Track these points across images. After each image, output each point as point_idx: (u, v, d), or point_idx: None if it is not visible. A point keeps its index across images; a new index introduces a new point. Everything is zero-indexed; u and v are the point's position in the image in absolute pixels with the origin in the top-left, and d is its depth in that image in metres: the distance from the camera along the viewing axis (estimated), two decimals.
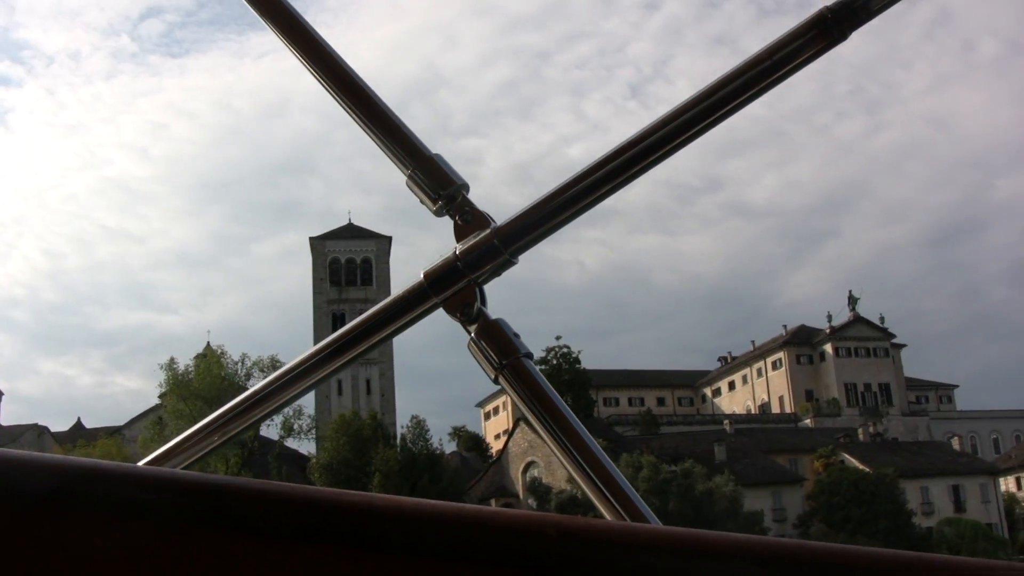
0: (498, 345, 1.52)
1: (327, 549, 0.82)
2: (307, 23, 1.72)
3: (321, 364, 1.67)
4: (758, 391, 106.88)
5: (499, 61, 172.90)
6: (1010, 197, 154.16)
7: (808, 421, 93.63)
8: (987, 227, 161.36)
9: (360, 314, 1.68)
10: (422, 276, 1.58)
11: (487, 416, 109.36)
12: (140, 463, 1.37)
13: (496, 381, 1.53)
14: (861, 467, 72.18)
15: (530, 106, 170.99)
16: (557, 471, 71.74)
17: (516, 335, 1.54)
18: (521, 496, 74.53)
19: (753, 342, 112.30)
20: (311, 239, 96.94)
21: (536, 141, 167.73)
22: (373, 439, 67.52)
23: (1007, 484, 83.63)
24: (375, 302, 1.71)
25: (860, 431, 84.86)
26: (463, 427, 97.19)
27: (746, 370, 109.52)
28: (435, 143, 1.61)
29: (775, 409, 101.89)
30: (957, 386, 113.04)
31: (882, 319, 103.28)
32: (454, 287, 1.56)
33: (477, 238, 1.55)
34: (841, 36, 1.39)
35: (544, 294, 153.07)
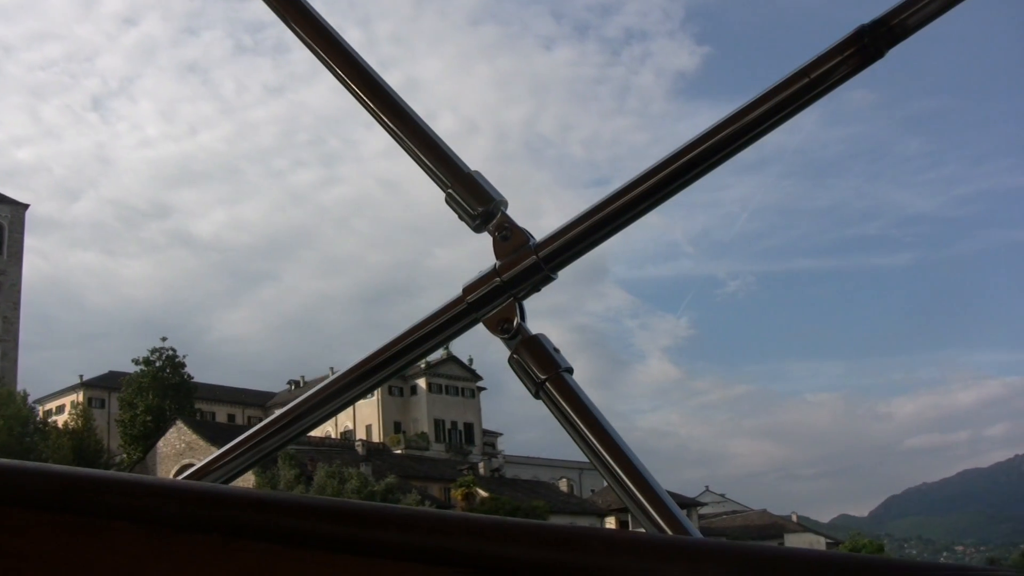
0: (539, 361, 1.53)
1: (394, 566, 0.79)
2: (343, 39, 1.73)
3: (358, 381, 1.70)
4: (342, 418, 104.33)
5: None
6: (446, 266, 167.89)
7: (398, 451, 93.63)
8: (421, 291, 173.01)
9: None
10: (461, 292, 1.60)
11: (48, 414, 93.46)
12: (175, 477, 1.29)
13: (537, 396, 1.52)
14: (502, 498, 73.87)
15: None
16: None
17: (556, 350, 1.55)
18: None
19: (332, 368, 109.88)
20: None
21: None
22: (24, 420, 61.22)
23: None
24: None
25: (481, 465, 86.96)
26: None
27: None
28: None
29: (360, 436, 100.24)
30: (502, 434, 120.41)
31: (471, 360, 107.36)
32: (494, 303, 1.57)
33: (517, 254, 1.57)
34: (878, 54, 1.37)
35: None
